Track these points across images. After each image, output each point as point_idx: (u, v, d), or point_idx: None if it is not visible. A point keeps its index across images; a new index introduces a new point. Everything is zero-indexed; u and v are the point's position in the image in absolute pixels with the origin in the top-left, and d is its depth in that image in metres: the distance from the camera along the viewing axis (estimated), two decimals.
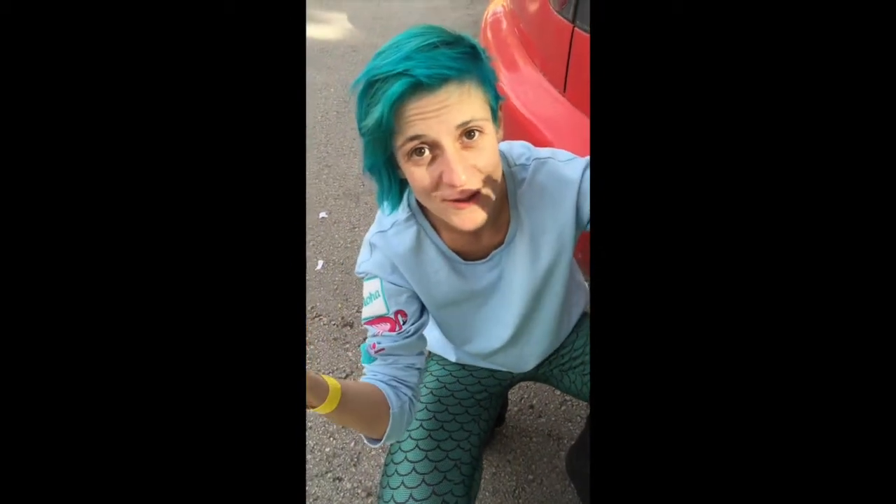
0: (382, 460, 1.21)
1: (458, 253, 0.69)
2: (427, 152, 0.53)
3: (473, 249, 0.69)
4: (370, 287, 0.68)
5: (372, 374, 0.68)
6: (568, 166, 0.67)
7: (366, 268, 0.69)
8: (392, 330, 0.67)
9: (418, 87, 0.49)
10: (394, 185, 0.60)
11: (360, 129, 0.54)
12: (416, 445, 0.76)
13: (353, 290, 1.65)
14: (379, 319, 0.67)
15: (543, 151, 0.69)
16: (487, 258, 0.69)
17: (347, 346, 1.48)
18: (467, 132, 0.52)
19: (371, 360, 0.68)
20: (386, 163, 0.57)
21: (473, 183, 0.54)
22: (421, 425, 0.79)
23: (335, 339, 1.50)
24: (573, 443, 1.14)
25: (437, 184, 0.54)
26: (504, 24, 1.67)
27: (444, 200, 0.55)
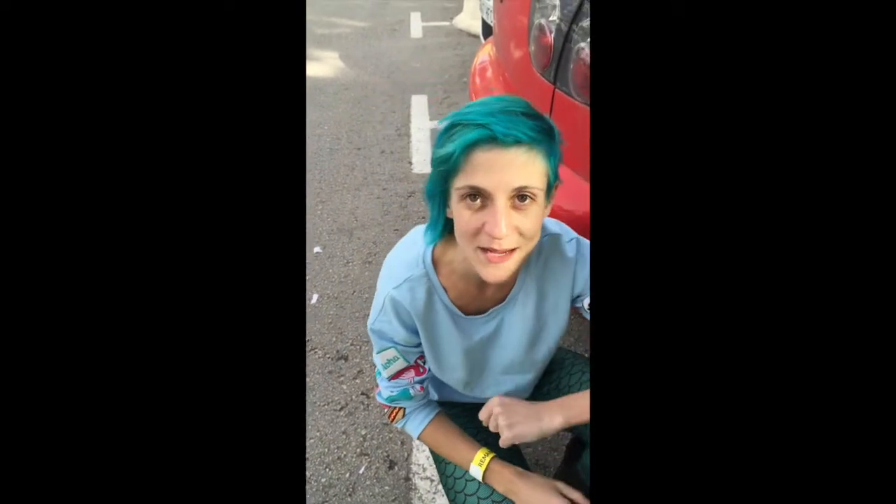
0: (376, 490, 1.25)
1: (460, 309, 0.77)
2: (479, 200, 0.58)
3: (476, 305, 0.77)
4: (386, 355, 0.80)
5: (421, 407, 0.86)
6: (569, 246, 0.76)
7: (378, 327, 0.77)
8: (418, 374, 0.82)
9: (492, 140, 0.55)
10: (440, 219, 0.67)
11: (432, 159, 0.62)
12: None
13: (348, 324, 1.71)
14: (402, 372, 0.81)
15: (552, 226, 0.77)
16: (487, 313, 0.78)
17: (342, 378, 1.54)
18: (520, 195, 0.58)
19: (411, 397, 0.84)
20: (441, 195, 0.64)
21: (511, 242, 0.59)
22: None
23: (330, 371, 1.56)
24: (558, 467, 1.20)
25: (479, 230, 0.59)
26: (490, 72, 1.78)
27: (480, 248, 0.61)
